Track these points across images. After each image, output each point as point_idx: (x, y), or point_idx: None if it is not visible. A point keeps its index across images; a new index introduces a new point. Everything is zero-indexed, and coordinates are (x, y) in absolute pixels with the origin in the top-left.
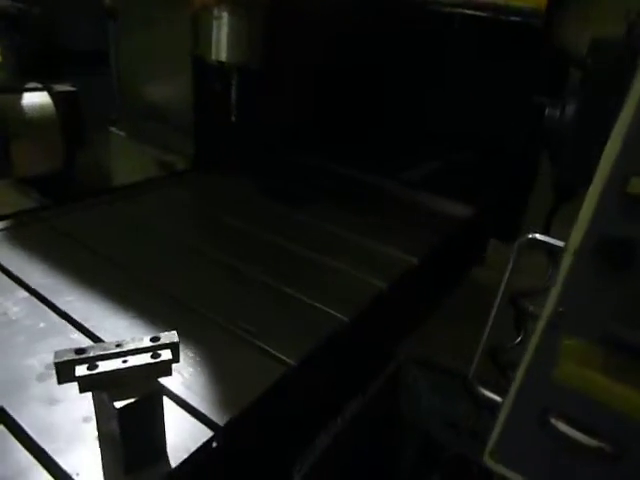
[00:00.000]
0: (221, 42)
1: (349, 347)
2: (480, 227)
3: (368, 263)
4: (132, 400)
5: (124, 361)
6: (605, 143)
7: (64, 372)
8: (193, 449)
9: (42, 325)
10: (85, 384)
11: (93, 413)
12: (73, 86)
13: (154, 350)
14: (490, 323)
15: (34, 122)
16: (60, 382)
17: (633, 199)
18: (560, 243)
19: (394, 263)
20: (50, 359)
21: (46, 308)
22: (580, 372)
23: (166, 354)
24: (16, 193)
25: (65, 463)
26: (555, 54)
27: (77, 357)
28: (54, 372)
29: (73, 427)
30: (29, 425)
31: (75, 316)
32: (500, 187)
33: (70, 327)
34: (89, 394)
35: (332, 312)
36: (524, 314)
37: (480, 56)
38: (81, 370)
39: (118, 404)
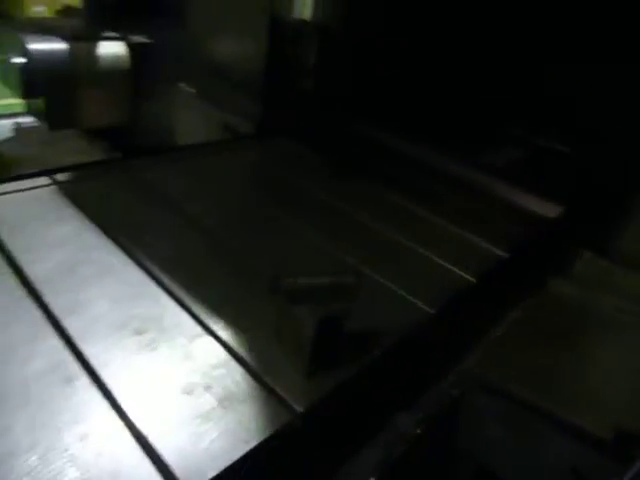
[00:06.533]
0: None
1: (425, 343)
2: (565, 231)
3: (452, 253)
4: (327, 313)
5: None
6: None
7: (274, 283)
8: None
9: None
10: (292, 296)
11: None
12: (149, 38)
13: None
14: None
15: (107, 72)
16: (272, 292)
17: None
18: None
19: (478, 255)
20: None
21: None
22: None
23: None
24: (84, 143)
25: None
26: None
27: (284, 273)
28: None
29: None
30: None
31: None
32: (596, 187)
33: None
34: None
35: (417, 302)
36: None
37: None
38: (289, 284)
39: (318, 316)
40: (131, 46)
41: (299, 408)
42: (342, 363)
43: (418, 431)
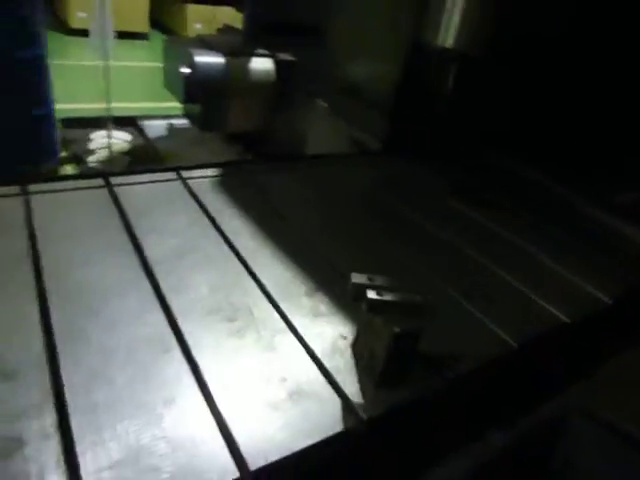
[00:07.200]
0: (450, 26)
1: (509, 374)
2: None
3: (551, 289)
4: (404, 329)
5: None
6: None
7: (357, 292)
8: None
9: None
10: (372, 306)
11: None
12: (294, 56)
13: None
14: None
15: (255, 84)
16: (354, 300)
17: None
18: None
19: (582, 298)
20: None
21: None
22: None
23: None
24: (225, 145)
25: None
26: None
27: (369, 282)
28: None
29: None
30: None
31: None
32: None
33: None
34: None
35: (501, 334)
36: None
37: None
38: (371, 294)
39: (394, 330)
40: (278, 62)
41: (364, 415)
42: (415, 381)
43: (508, 445)
